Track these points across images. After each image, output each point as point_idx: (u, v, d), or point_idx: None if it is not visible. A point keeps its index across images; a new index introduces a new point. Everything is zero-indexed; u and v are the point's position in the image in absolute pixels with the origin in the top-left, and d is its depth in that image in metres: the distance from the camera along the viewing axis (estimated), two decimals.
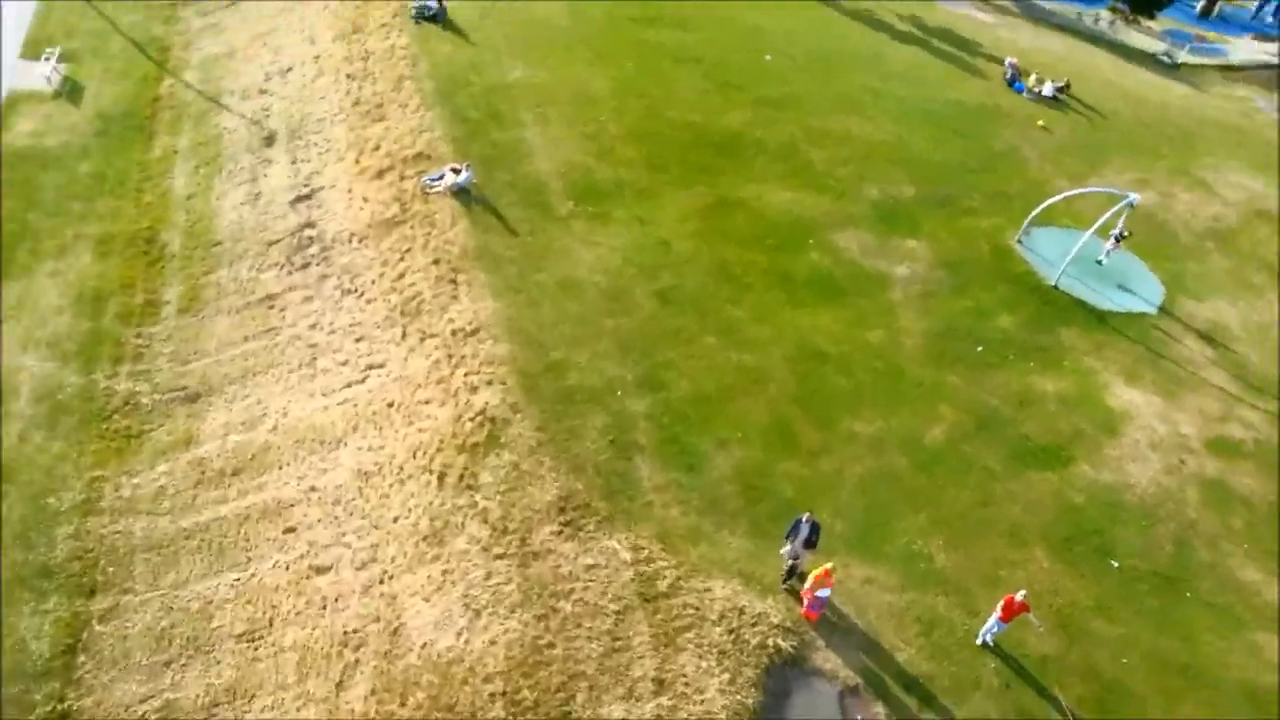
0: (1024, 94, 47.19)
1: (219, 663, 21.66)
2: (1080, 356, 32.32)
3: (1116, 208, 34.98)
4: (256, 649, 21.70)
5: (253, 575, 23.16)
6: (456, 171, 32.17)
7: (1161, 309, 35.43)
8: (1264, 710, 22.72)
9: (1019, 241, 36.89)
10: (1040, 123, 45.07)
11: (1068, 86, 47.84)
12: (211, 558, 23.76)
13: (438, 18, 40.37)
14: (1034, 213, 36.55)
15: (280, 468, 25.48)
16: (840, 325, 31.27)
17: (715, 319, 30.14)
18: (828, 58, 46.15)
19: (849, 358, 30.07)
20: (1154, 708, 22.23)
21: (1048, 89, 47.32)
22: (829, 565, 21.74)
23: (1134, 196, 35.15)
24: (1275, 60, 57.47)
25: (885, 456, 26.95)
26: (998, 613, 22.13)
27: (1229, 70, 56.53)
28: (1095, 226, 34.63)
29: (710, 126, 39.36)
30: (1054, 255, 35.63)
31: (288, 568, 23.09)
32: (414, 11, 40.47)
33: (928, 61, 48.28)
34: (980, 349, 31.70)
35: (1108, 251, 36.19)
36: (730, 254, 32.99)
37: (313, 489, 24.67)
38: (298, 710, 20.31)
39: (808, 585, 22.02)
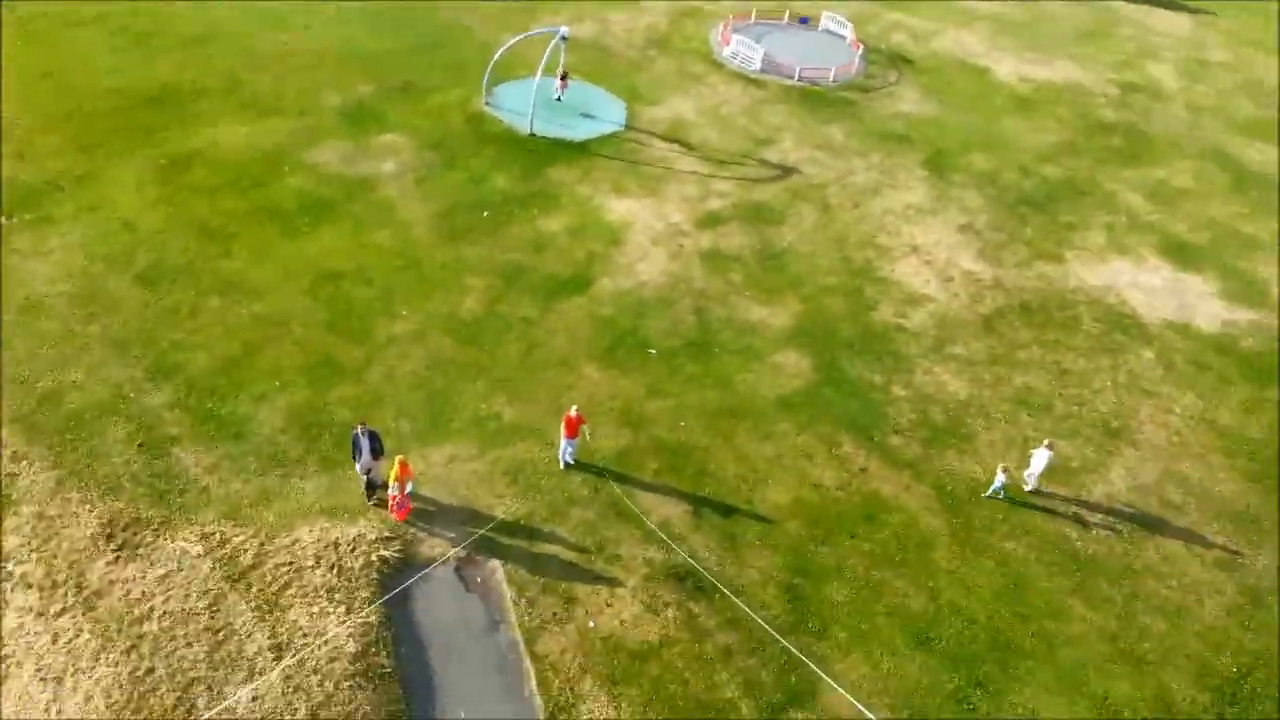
0: None
1: None
2: (573, 188, 34.57)
3: (551, 44, 37.08)
4: None
5: None
6: None
7: (627, 125, 38.57)
8: (795, 411, 26.72)
9: (487, 104, 38.10)
10: None
11: None
12: None
13: None
14: (486, 72, 37.77)
15: None
16: (345, 239, 30.81)
17: (211, 280, 28.41)
18: None
19: (365, 267, 29.84)
20: (716, 450, 25.35)
21: None
22: (399, 458, 22.02)
23: (563, 29, 37.42)
24: None
25: (429, 345, 27.41)
26: (564, 433, 23.78)
27: None
28: (540, 67, 36.54)
29: (136, 85, 36.08)
30: (521, 107, 37.27)
31: None
32: None
33: None
34: (486, 213, 32.80)
35: (559, 88, 38.47)
36: (204, 209, 30.98)
37: None
38: None
39: (392, 490, 22.23)
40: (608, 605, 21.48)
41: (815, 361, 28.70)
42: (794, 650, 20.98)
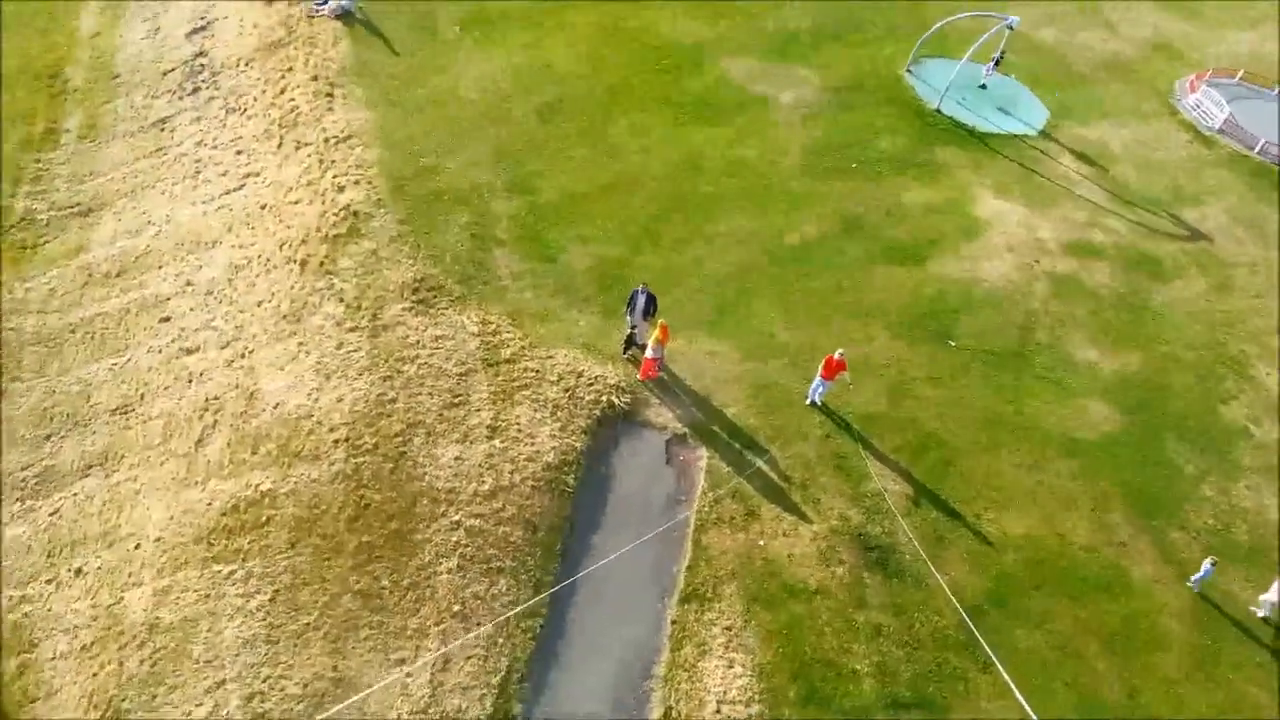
0: None
1: (94, 433, 23.13)
2: (955, 171, 33.34)
3: (994, 29, 35.64)
4: (128, 420, 23.17)
5: (129, 360, 24.54)
6: None
7: (1043, 132, 36.28)
8: (1078, 454, 24.32)
9: (909, 71, 37.57)
10: None
11: None
12: (93, 347, 25.09)
13: None
14: (920, 41, 37.15)
15: (160, 268, 26.70)
16: (719, 143, 32.21)
17: (593, 133, 31.08)
18: None
19: (723, 170, 31.09)
20: (972, 454, 23.85)
21: None
22: (663, 322, 23.12)
23: (1012, 19, 35.76)
24: None
25: (746, 252, 28.18)
26: (820, 371, 23.58)
27: None
28: (972, 50, 35.31)
29: None
30: (940, 83, 36.32)
31: (160, 351, 24.46)
32: None
33: None
34: (856, 165, 32.70)
35: (987, 72, 36.93)
36: (617, 76, 33.75)
37: (189, 283, 25.93)
38: (161, 464, 21.87)
39: (650, 351, 23.43)
40: (785, 535, 21.31)
41: (1129, 421, 25.80)
42: (948, 665, 19.56)
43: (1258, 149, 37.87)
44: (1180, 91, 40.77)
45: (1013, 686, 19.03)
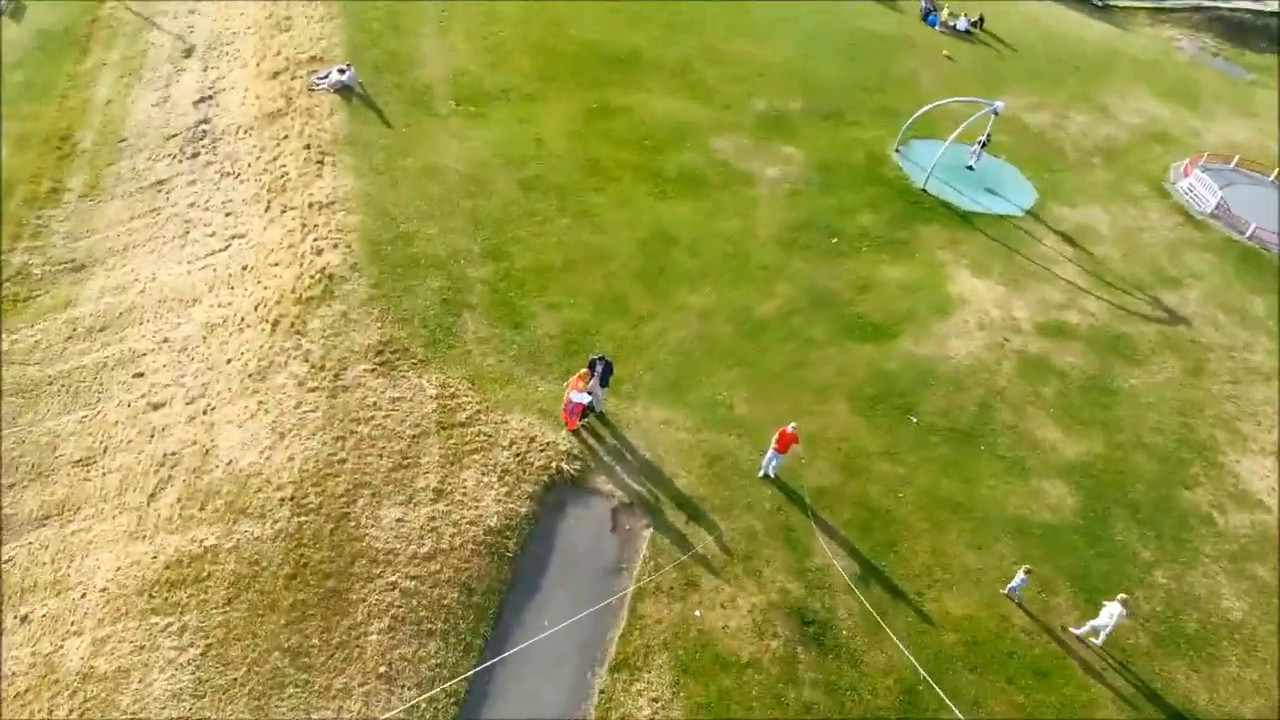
0: (937, 27, 48.36)
1: (55, 484, 23.77)
2: (933, 250, 33.74)
3: (978, 114, 36.32)
4: (88, 472, 23.81)
5: (98, 413, 25.31)
6: (342, 71, 34.15)
7: (1029, 212, 36.68)
8: (1026, 542, 24.19)
9: (896, 151, 38.27)
10: (946, 53, 46.31)
11: (981, 21, 48.94)
12: (67, 399, 25.90)
13: None
14: (907, 123, 37.91)
15: (141, 324, 27.64)
16: (699, 215, 32.93)
17: (574, 204, 31.91)
18: None
19: (699, 242, 31.72)
20: (916, 532, 23.80)
21: (961, 23, 48.44)
22: (581, 371, 23.50)
23: (998, 104, 36.45)
24: (1207, 1, 57.82)
25: (711, 324, 28.62)
26: (773, 444, 23.78)
27: (1160, 12, 56.95)
28: (957, 132, 35.97)
29: (611, 44, 41.04)
30: (927, 163, 36.94)
31: (129, 405, 25.22)
32: None
33: None
34: (834, 240, 33.22)
35: (972, 154, 37.50)
36: (604, 152, 34.73)
37: (165, 340, 26.82)
38: (114, 517, 22.44)
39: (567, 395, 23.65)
40: (722, 606, 21.34)
41: (1083, 505, 25.65)
42: None
43: (1248, 234, 37.94)
44: (1174, 175, 41.10)
45: None
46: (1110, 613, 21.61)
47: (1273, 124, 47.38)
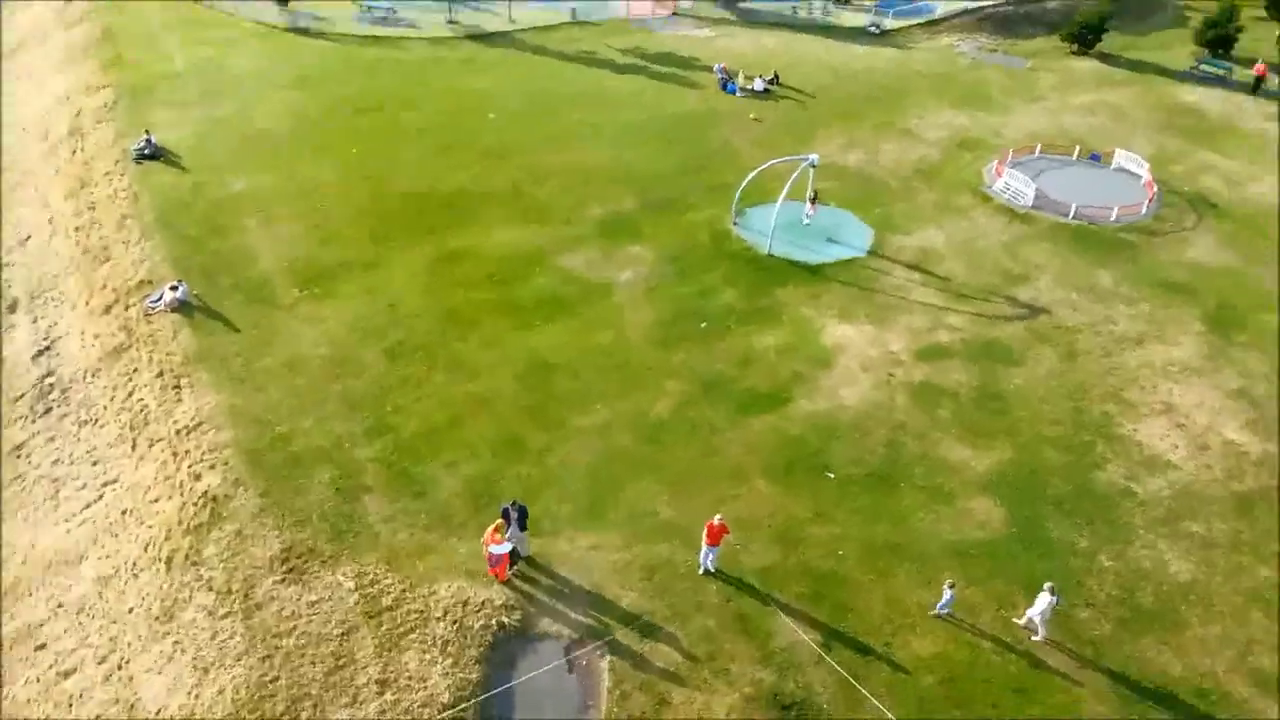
0: (736, 94, 50.75)
1: None
2: (797, 309, 34.73)
3: (798, 170, 38.03)
4: None
5: (8, 696, 23.44)
6: (174, 288, 33.34)
7: (871, 251, 38.27)
8: (969, 564, 24.56)
9: (735, 224, 39.58)
10: (752, 115, 48.58)
11: (776, 78, 51.68)
12: None
13: (156, 155, 41.88)
14: (736, 194, 39.35)
15: (30, 594, 25.87)
16: (568, 335, 33.07)
17: (444, 358, 31.63)
18: (549, 102, 49.05)
19: (577, 362, 31.80)
20: (867, 587, 23.87)
21: (758, 84, 50.99)
22: (496, 523, 23.12)
23: (812, 157, 38.34)
24: (972, 4, 62.63)
25: (611, 438, 28.53)
26: (705, 539, 23.64)
27: (932, 24, 61.32)
28: (784, 193, 37.48)
29: (435, 189, 41.42)
30: (768, 229, 38.25)
31: (38, 680, 23.45)
32: (134, 153, 41.93)
33: (646, 86, 51.58)
34: (704, 325, 33.84)
35: (808, 212, 39.12)
36: (458, 299, 34.69)
37: (60, 605, 25.15)
38: None
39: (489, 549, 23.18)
40: (699, 716, 20.76)
41: (1011, 514, 26.30)
42: None
43: (1071, 214, 40.49)
44: (989, 178, 43.68)
45: None
46: (1041, 602, 21.95)
47: (1060, 105, 51.20)
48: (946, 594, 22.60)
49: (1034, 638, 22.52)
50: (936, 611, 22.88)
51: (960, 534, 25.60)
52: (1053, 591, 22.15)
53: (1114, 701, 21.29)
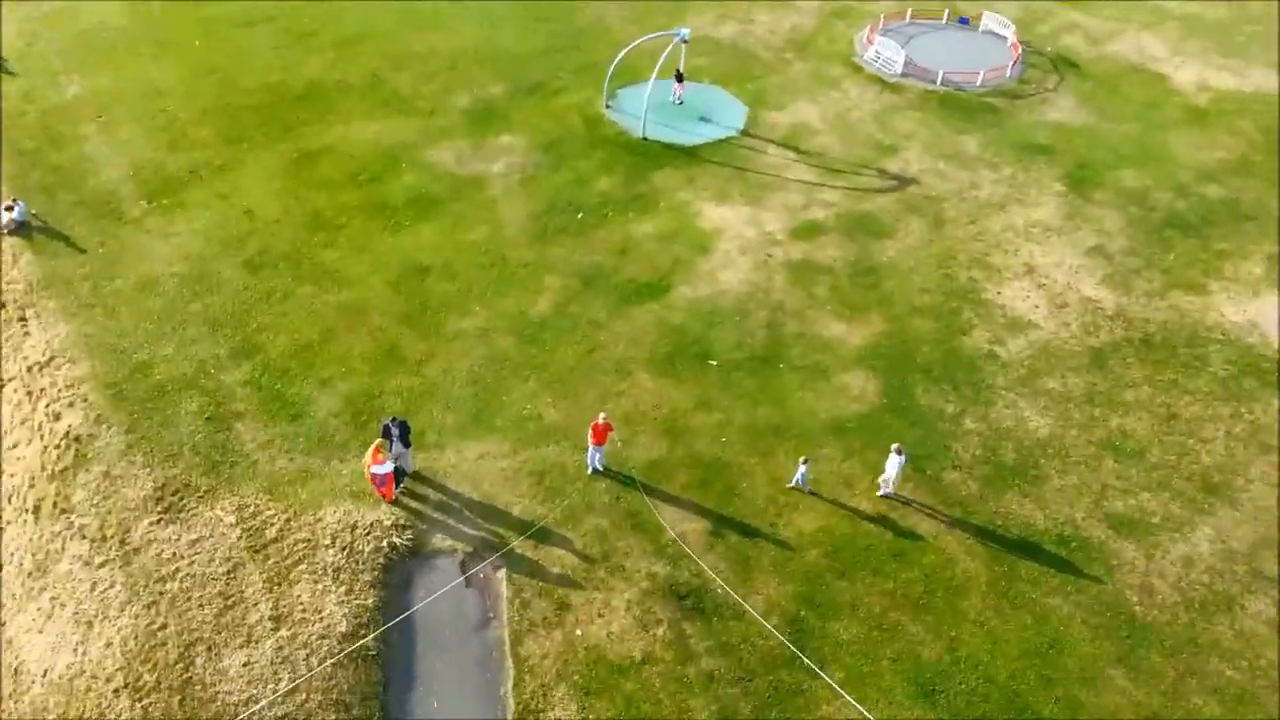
0: None
1: None
2: (674, 194, 34.30)
3: (669, 47, 36.94)
4: None
5: None
6: (10, 208, 30.82)
7: (745, 129, 37.79)
8: (846, 437, 25.41)
9: (608, 107, 38.45)
10: None
11: None
12: None
13: None
14: (608, 76, 38.11)
15: None
16: (441, 235, 32.03)
17: (310, 268, 30.33)
18: None
19: (452, 263, 30.91)
20: (752, 468, 24.50)
21: None
22: (377, 442, 22.69)
23: (683, 31, 37.20)
24: None
25: (493, 342, 28.08)
26: (590, 440, 23.74)
27: None
28: (655, 71, 36.46)
29: (288, 82, 38.93)
30: (641, 111, 37.26)
31: None
32: None
33: None
34: (581, 215, 33.17)
35: (675, 91, 38.24)
36: (321, 201, 33.08)
37: None
38: None
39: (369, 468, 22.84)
40: (599, 615, 21.29)
41: (884, 385, 27.13)
42: (783, 685, 19.98)
43: (939, 81, 40.66)
44: (860, 47, 43.31)
45: (836, 687, 19.69)
46: (891, 463, 23.02)
47: None
48: (800, 468, 23.33)
49: (879, 493, 23.57)
50: (794, 484, 23.64)
51: (837, 409, 26.36)
52: (899, 451, 23.09)
53: (984, 556, 22.66)
